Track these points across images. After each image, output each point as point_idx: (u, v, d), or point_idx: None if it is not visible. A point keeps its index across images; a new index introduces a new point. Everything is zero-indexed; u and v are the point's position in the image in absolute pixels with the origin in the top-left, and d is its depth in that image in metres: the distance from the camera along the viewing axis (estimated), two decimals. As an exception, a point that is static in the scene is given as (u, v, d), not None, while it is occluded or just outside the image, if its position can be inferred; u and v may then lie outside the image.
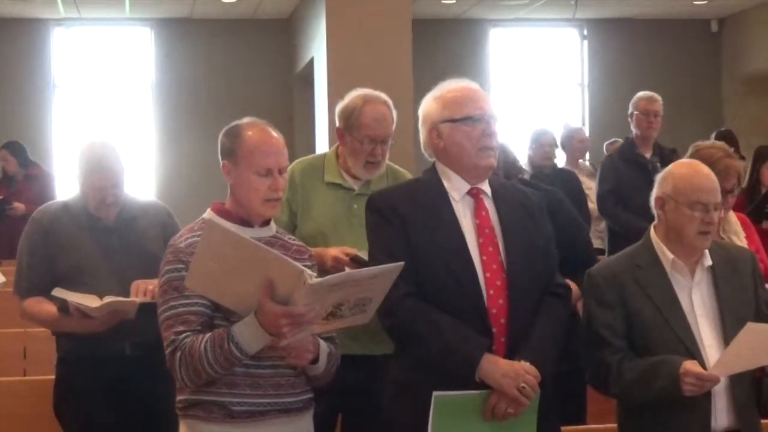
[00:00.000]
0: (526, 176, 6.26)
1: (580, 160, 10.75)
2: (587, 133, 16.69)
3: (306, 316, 3.48)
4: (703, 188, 4.05)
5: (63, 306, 4.68)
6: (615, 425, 4.30)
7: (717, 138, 10.26)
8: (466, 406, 3.79)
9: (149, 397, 4.71)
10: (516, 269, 3.88)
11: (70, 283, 4.73)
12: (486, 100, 4.02)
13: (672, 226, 4.08)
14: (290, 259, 3.55)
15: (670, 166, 4.20)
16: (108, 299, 4.60)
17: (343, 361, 4.05)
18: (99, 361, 4.75)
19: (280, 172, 3.83)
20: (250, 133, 3.84)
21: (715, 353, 3.96)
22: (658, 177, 4.18)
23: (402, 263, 3.57)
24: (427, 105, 4.06)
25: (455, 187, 3.98)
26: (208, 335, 3.63)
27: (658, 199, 4.14)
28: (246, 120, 3.91)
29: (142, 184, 15.47)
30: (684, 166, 4.20)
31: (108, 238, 4.82)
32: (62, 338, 4.92)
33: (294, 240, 4.04)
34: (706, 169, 4.15)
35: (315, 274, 3.49)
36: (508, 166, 4.36)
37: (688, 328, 4.00)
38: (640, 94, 8.57)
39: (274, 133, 3.88)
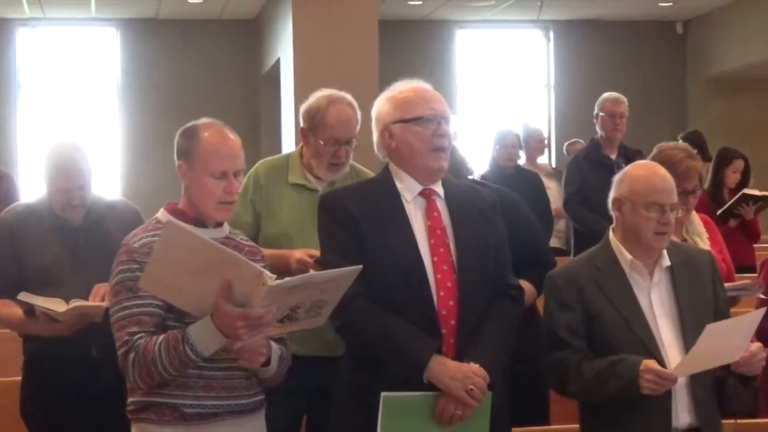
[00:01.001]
0: (476, 176, 6.27)
1: (539, 159, 10.80)
2: (553, 134, 16.85)
3: (263, 318, 3.46)
4: (659, 189, 4.08)
5: (29, 309, 4.66)
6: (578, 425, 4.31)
7: (684, 139, 10.34)
8: (415, 407, 3.79)
9: (116, 399, 4.69)
10: (467, 271, 3.88)
11: (36, 284, 4.70)
12: (438, 100, 4.01)
13: (629, 226, 4.11)
14: (250, 261, 3.53)
15: (627, 168, 4.23)
16: (74, 303, 4.57)
17: (308, 363, 4.05)
18: (65, 363, 4.73)
19: (236, 175, 3.79)
20: (206, 134, 3.79)
21: (675, 352, 3.98)
22: (615, 179, 4.21)
23: (360, 267, 3.58)
24: (380, 105, 4.05)
25: (407, 188, 3.98)
26: (162, 336, 3.60)
27: (615, 200, 4.17)
28: (203, 121, 3.86)
29: (108, 184, 15.42)
30: (640, 167, 4.23)
31: (75, 240, 4.80)
32: (29, 340, 4.89)
33: (246, 241, 4.01)
34: (662, 171, 4.18)
35: (274, 276, 3.48)
36: (457, 165, 4.37)
37: (648, 328, 4.02)
38: (606, 95, 8.58)
39: (231, 135, 3.82)
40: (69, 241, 4.79)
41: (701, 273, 4.20)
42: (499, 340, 3.91)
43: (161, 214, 3.86)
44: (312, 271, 4.48)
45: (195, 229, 3.74)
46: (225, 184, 3.76)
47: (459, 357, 3.81)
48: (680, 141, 10.21)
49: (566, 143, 13.11)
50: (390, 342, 3.77)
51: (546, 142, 11.13)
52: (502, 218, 4.13)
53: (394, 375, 3.77)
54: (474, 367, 3.77)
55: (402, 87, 4.06)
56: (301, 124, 4.93)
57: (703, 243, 5.15)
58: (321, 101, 4.86)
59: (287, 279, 3.44)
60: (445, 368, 3.76)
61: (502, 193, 4.65)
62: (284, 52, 12.81)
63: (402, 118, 3.96)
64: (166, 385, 3.66)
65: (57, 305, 4.59)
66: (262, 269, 3.45)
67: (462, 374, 3.75)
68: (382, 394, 3.74)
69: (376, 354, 3.82)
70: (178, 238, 3.47)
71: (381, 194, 3.98)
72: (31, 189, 12.24)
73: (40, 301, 4.62)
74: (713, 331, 3.79)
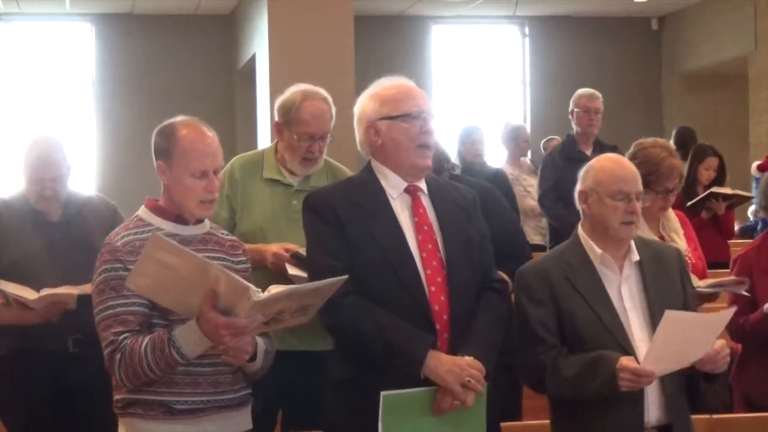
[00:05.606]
0: (457, 171, 6.29)
1: (522, 158, 10.80)
2: (529, 130, 16.86)
3: (248, 327, 3.48)
4: (624, 178, 4.11)
5: (2, 297, 4.64)
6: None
7: (677, 134, 10.41)
8: (414, 403, 3.79)
9: (93, 394, 4.68)
10: (455, 265, 3.90)
11: (12, 278, 4.69)
12: (423, 97, 4.02)
13: (597, 218, 4.13)
14: (236, 276, 3.51)
15: (591, 161, 4.26)
16: (45, 291, 4.57)
17: (282, 357, 4.04)
18: (42, 359, 4.72)
19: (215, 172, 3.79)
20: (184, 132, 3.78)
21: (645, 347, 3.96)
22: (580, 173, 4.24)
23: (346, 277, 3.59)
24: (364, 103, 4.04)
25: (392, 185, 3.98)
26: (148, 338, 3.59)
27: (581, 193, 4.20)
28: (180, 118, 3.85)
29: (84, 179, 15.36)
30: (603, 160, 4.26)
31: (52, 234, 4.79)
32: (4, 336, 4.86)
33: (227, 236, 4.01)
34: (625, 161, 4.23)
35: (260, 290, 3.47)
36: (439, 159, 4.38)
37: (619, 322, 4.02)
38: (581, 91, 8.59)
39: (209, 133, 3.82)
40: (46, 235, 4.78)
41: (669, 269, 4.21)
42: (489, 333, 3.93)
43: (142, 212, 3.84)
44: (288, 266, 4.50)
45: (175, 227, 3.77)
46: (205, 183, 3.76)
47: (452, 351, 3.83)
48: (673, 135, 10.31)
49: (543, 141, 13.12)
50: (384, 339, 3.77)
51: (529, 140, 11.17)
52: (481, 214, 4.15)
53: (389, 371, 3.77)
54: (469, 359, 3.78)
55: (386, 84, 4.06)
56: (276, 118, 4.93)
57: (680, 239, 5.17)
58: (295, 96, 4.86)
59: (272, 294, 3.45)
60: (441, 363, 3.76)
61: (481, 187, 4.67)
62: (260, 47, 12.80)
63: (389, 114, 3.96)
64: (153, 383, 3.65)
65: (27, 293, 4.58)
66: (248, 285, 3.44)
67: (458, 367, 3.76)
68: (382, 393, 3.72)
69: (371, 351, 3.80)
70: (164, 251, 3.42)
71: (366, 192, 3.98)
72: (7, 183, 12.20)
73: (10, 288, 4.61)
74: (672, 318, 3.78)
